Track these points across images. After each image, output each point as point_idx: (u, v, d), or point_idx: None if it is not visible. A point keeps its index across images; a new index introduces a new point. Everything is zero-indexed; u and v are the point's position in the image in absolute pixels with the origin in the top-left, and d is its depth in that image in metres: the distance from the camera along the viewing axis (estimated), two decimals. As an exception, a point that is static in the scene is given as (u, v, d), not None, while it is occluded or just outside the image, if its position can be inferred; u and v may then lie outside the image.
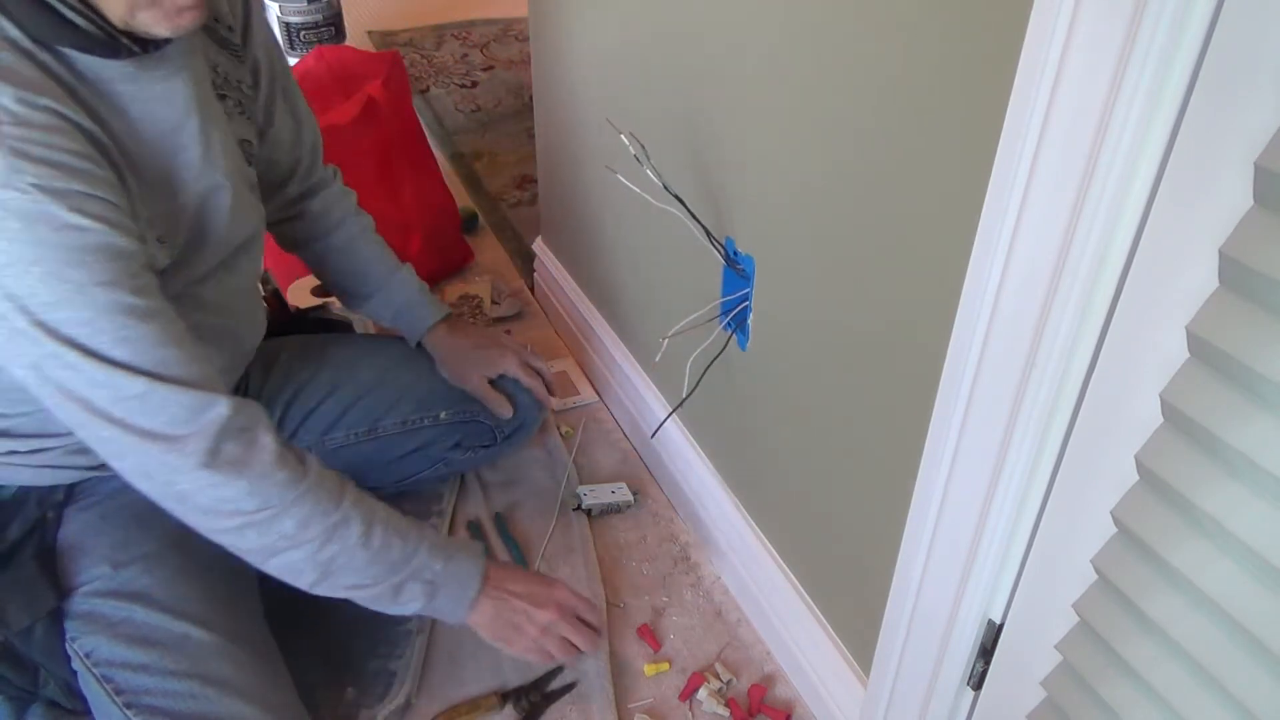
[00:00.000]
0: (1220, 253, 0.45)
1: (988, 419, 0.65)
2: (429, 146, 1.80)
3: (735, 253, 0.99)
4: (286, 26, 2.41)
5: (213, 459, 0.77)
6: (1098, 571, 0.58)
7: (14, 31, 0.68)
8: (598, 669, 1.09)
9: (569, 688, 1.07)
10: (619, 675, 1.10)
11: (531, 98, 1.73)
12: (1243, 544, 0.48)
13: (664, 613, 1.19)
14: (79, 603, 0.87)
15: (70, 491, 0.94)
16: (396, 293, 1.20)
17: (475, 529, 1.28)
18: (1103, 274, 0.54)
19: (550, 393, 1.25)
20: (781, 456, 1.04)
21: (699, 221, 0.98)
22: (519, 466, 1.37)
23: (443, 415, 1.20)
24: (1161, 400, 0.51)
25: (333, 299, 1.46)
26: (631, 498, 1.33)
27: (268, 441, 0.80)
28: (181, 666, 0.85)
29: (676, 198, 0.96)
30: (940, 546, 0.75)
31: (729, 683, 1.10)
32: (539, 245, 1.73)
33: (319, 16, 2.48)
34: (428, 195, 1.73)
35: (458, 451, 1.23)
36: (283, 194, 1.14)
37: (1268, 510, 0.47)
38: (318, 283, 1.49)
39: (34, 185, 0.66)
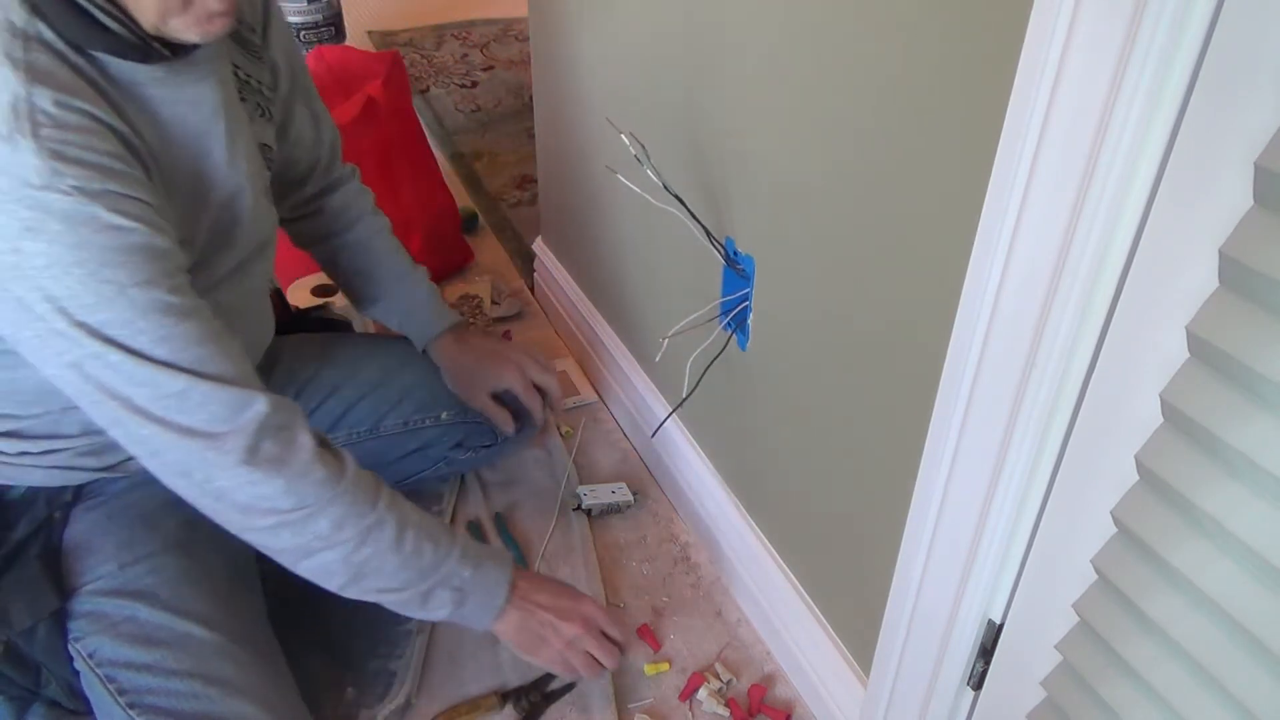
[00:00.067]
0: (1220, 253, 0.45)
1: (988, 419, 0.65)
2: (429, 146, 1.80)
3: (735, 253, 0.99)
4: (287, 26, 2.41)
5: (252, 456, 0.77)
6: (1098, 571, 0.58)
7: (49, 34, 0.69)
8: (598, 669, 1.09)
9: (569, 688, 1.07)
10: (619, 675, 1.10)
11: (531, 98, 1.73)
12: (1243, 544, 0.48)
13: (664, 613, 1.19)
14: (83, 602, 0.88)
15: (78, 492, 0.94)
16: (405, 297, 1.20)
17: (475, 529, 1.28)
18: (1103, 274, 0.54)
19: (553, 406, 1.25)
20: (781, 456, 1.04)
21: (699, 221, 0.98)
22: (519, 466, 1.37)
23: (444, 415, 1.20)
24: (1161, 400, 0.51)
25: (333, 299, 1.46)
26: (631, 498, 1.33)
27: (306, 440, 0.81)
28: (184, 666, 0.85)
29: (676, 198, 0.96)
30: (940, 546, 0.75)
31: (729, 683, 1.10)
32: (539, 245, 1.73)
33: (319, 16, 2.48)
34: (428, 195, 1.73)
35: (459, 451, 1.23)
36: (301, 192, 1.15)
37: (1268, 510, 0.47)
38: (318, 282, 1.49)
39: (75, 187, 0.67)
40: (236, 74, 0.90)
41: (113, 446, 0.91)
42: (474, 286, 1.78)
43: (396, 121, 1.66)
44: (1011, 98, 0.55)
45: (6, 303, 0.69)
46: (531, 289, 1.81)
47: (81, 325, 0.70)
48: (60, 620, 0.87)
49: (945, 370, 0.69)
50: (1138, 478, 0.54)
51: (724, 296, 1.04)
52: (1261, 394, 0.45)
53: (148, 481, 0.96)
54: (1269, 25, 0.41)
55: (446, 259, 1.80)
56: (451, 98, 2.55)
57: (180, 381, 0.73)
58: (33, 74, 0.67)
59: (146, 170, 0.75)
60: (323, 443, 0.83)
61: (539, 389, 1.22)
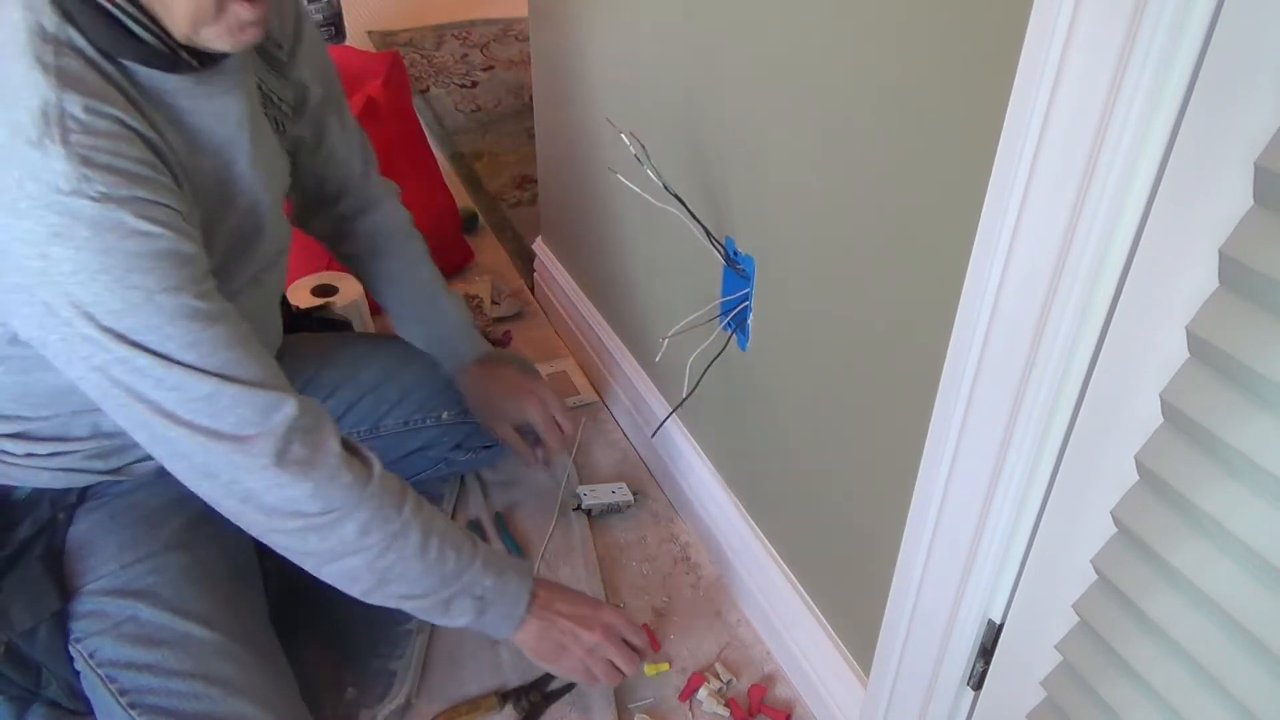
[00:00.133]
0: (1220, 253, 0.45)
1: (988, 419, 0.65)
2: (429, 146, 1.80)
3: (735, 253, 0.99)
4: (287, 26, 2.41)
5: (281, 459, 0.77)
6: (1098, 571, 0.58)
7: (80, 41, 0.69)
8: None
9: (569, 688, 1.07)
10: (619, 675, 1.10)
11: (531, 98, 1.73)
12: (1243, 544, 0.48)
13: (664, 613, 1.19)
14: (84, 602, 0.88)
15: (83, 493, 0.94)
16: (437, 323, 1.20)
17: (475, 528, 1.28)
18: (1103, 274, 0.54)
19: (567, 446, 1.24)
20: (781, 456, 1.04)
21: (699, 221, 0.98)
22: (519, 467, 1.37)
23: (444, 416, 1.20)
24: (1161, 400, 0.51)
25: (333, 299, 1.46)
26: (631, 498, 1.33)
27: (333, 444, 0.81)
28: (185, 666, 0.85)
29: (676, 198, 0.96)
30: (940, 546, 0.75)
31: (729, 683, 1.10)
32: (539, 245, 1.73)
33: (319, 16, 2.48)
34: (428, 195, 1.73)
35: (459, 452, 1.23)
36: (334, 210, 1.15)
37: (1268, 510, 0.47)
38: (318, 283, 1.49)
39: (103, 193, 0.67)
40: (260, 88, 0.90)
41: (120, 450, 0.92)
42: (474, 286, 1.78)
43: (396, 121, 1.66)
44: (1011, 98, 0.55)
45: (33, 306, 0.69)
46: (531, 289, 1.80)
47: (108, 330, 0.70)
48: (61, 621, 0.87)
49: (945, 370, 0.69)
50: (1138, 478, 0.54)
51: (724, 296, 1.04)
52: (1261, 394, 0.45)
53: (151, 482, 0.96)
54: (1269, 25, 0.41)
55: (446, 259, 1.79)
56: (451, 98, 2.55)
57: (209, 385, 0.73)
58: (63, 79, 0.67)
59: (175, 177, 0.75)
60: (348, 446, 0.83)
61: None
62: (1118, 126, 0.49)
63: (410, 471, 1.22)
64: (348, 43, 2.62)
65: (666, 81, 1.06)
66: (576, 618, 0.97)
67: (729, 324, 1.04)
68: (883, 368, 0.81)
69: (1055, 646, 0.64)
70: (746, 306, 1.01)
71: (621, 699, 1.07)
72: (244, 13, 0.71)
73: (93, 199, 0.66)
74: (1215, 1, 0.44)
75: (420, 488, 1.26)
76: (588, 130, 1.34)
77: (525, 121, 2.35)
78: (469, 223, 1.97)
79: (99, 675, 0.85)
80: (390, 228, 1.18)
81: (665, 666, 1.11)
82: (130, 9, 0.69)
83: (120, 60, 0.72)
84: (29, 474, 0.90)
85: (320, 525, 0.80)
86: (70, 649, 0.87)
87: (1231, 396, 0.47)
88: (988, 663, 0.75)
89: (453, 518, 1.29)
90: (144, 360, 0.71)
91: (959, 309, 0.65)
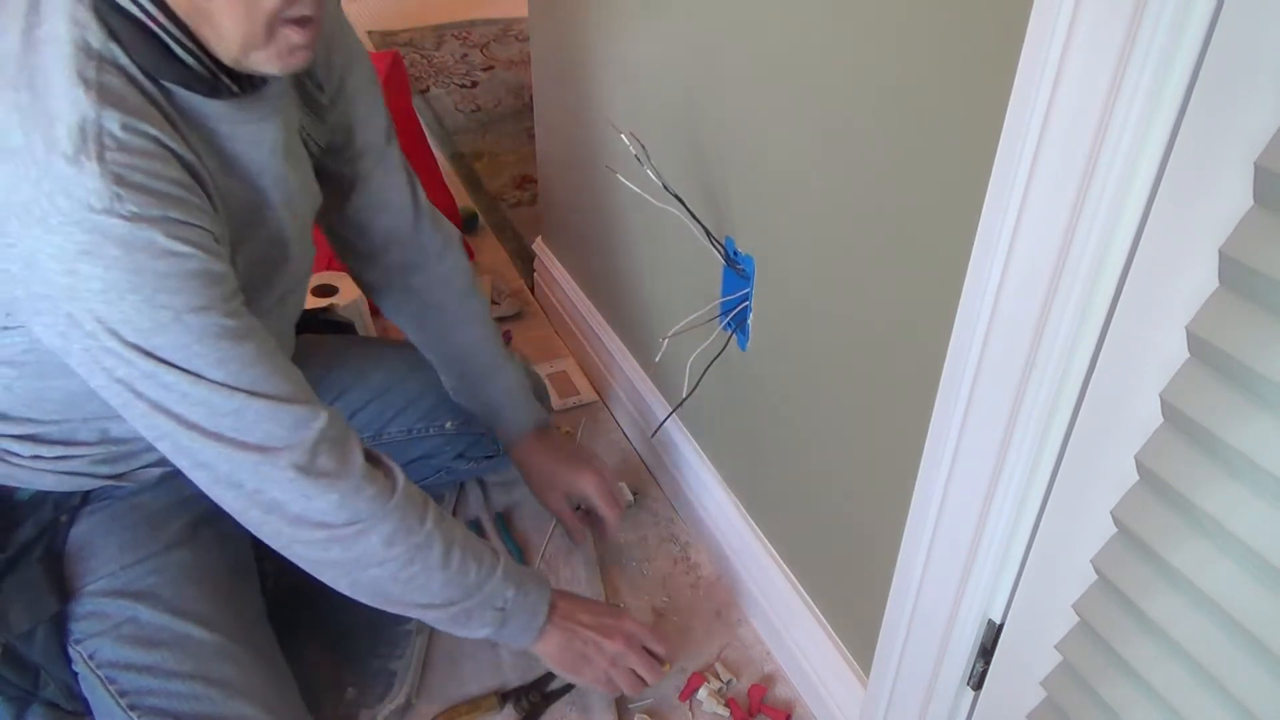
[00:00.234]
0: (1220, 253, 0.45)
1: (988, 419, 0.65)
2: (429, 146, 1.80)
3: (735, 253, 0.99)
4: (286, 26, 2.40)
5: (307, 470, 0.77)
6: (1098, 571, 0.58)
7: (124, 59, 0.69)
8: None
9: (569, 688, 1.07)
10: (619, 675, 1.10)
11: (531, 98, 1.73)
12: (1243, 544, 0.48)
13: (664, 613, 1.19)
14: (84, 603, 0.88)
15: (86, 496, 0.94)
16: (492, 393, 1.17)
17: (475, 529, 1.28)
18: (1103, 274, 0.54)
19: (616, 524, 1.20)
20: (781, 457, 1.04)
21: (699, 221, 0.98)
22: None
23: (448, 426, 1.20)
24: (1161, 400, 0.51)
25: (334, 299, 1.46)
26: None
27: (358, 455, 0.81)
28: (185, 668, 0.85)
29: (676, 197, 0.96)
30: (940, 546, 0.75)
31: (729, 683, 1.10)
32: (539, 245, 1.73)
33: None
34: (428, 196, 1.73)
35: (461, 461, 1.24)
36: (381, 262, 1.11)
37: (1268, 510, 0.47)
38: (318, 282, 1.49)
39: (134, 213, 0.66)
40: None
41: (127, 456, 0.92)
42: (474, 286, 1.78)
43: (396, 121, 1.63)
44: (1011, 98, 0.55)
45: (56, 316, 0.69)
46: (531, 289, 1.80)
47: (134, 347, 0.69)
48: (60, 623, 0.87)
49: (945, 370, 0.69)
50: (1138, 478, 0.54)
51: (724, 296, 1.04)
52: (1261, 394, 0.45)
53: (154, 485, 0.96)
54: (1269, 25, 0.41)
55: (446, 259, 1.79)
56: (451, 98, 2.55)
57: (236, 401, 0.73)
58: (104, 96, 0.66)
59: (209, 198, 0.75)
60: (370, 457, 0.83)
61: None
62: (1118, 126, 0.49)
63: (411, 478, 1.22)
64: (348, 43, 2.62)
65: (666, 81, 1.06)
66: (599, 627, 0.97)
67: (729, 324, 1.04)
68: (883, 368, 0.81)
69: (1055, 646, 0.64)
70: (746, 306, 1.00)
71: (621, 699, 1.07)
72: (294, 36, 0.71)
73: (124, 218, 0.66)
74: (1215, 1, 0.44)
75: (420, 489, 1.28)
76: (588, 130, 1.34)
77: (525, 121, 2.35)
78: (469, 223, 1.97)
79: (98, 676, 0.85)
80: (446, 281, 1.13)
81: (665, 666, 1.11)
82: (175, 31, 0.69)
83: (161, 81, 0.71)
84: (34, 476, 0.89)
85: (345, 537, 0.80)
86: (70, 650, 0.87)
87: (1231, 396, 0.47)
88: (988, 663, 0.75)
89: (452, 517, 1.29)
90: (170, 377, 0.71)
91: (959, 309, 0.65)
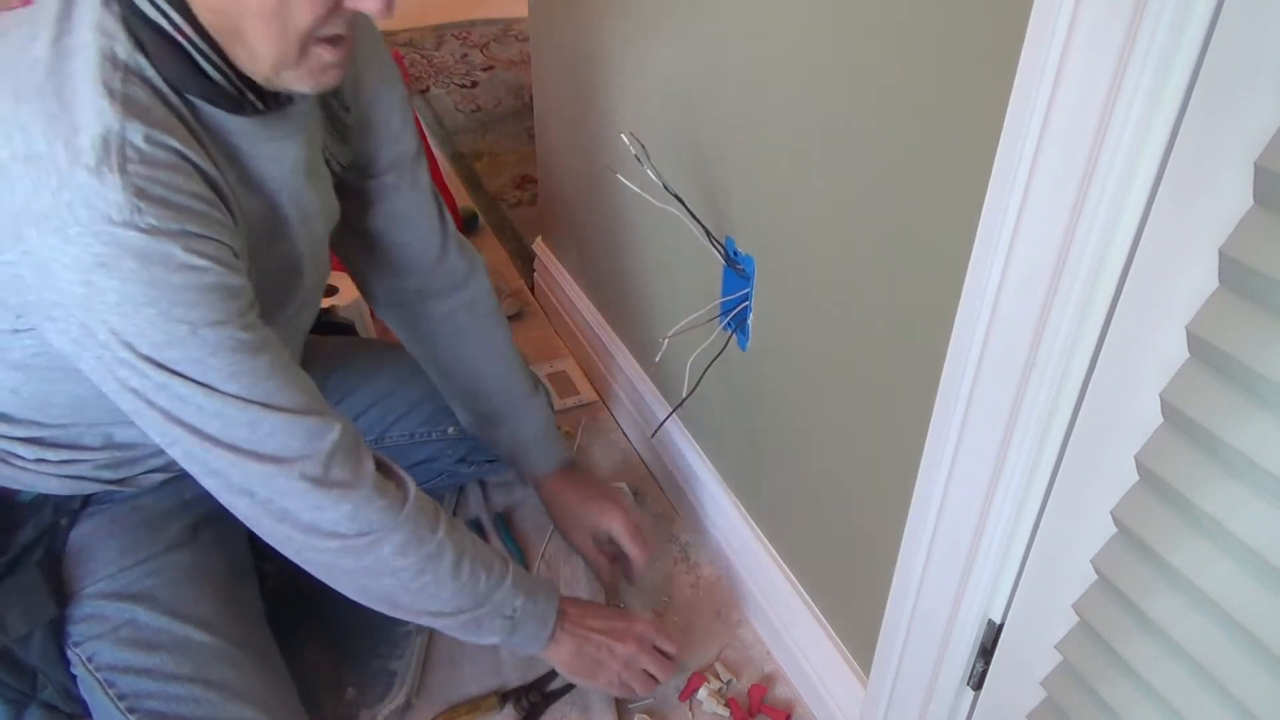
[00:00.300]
0: (1220, 253, 0.45)
1: (988, 419, 0.65)
2: (429, 146, 1.80)
3: (735, 253, 0.99)
4: (286, 27, 2.40)
5: (321, 481, 0.77)
6: (1098, 571, 0.58)
7: (150, 71, 0.68)
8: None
9: (569, 688, 1.07)
10: (619, 675, 1.10)
11: (531, 98, 1.73)
12: (1243, 544, 0.48)
13: (664, 613, 1.19)
14: (83, 605, 0.88)
15: (87, 499, 0.94)
16: (515, 430, 1.15)
17: (475, 529, 1.28)
18: (1103, 274, 0.54)
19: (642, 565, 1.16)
20: (781, 457, 1.04)
21: (699, 221, 0.98)
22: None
23: (450, 430, 1.20)
24: (1161, 400, 0.51)
25: (334, 299, 1.46)
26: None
27: (369, 464, 0.81)
28: (184, 670, 0.85)
29: (676, 198, 0.96)
30: (940, 546, 0.75)
31: (729, 683, 1.10)
32: (539, 245, 1.73)
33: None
34: (428, 195, 1.73)
35: (463, 465, 1.24)
36: (398, 285, 1.09)
37: (1268, 510, 0.47)
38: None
39: (153, 226, 0.66)
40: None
41: (131, 461, 0.92)
42: (474, 286, 1.77)
43: (396, 121, 1.66)
44: (1011, 98, 0.55)
45: (69, 323, 0.69)
46: (531, 289, 1.80)
47: (147, 359, 0.69)
48: (58, 626, 0.87)
49: (945, 370, 0.69)
50: (1138, 478, 0.54)
51: (724, 296, 1.04)
52: (1261, 394, 0.45)
53: (155, 489, 0.96)
54: (1269, 25, 0.41)
55: (446, 259, 1.79)
56: (451, 98, 2.55)
57: (251, 413, 0.73)
58: (129, 107, 0.66)
59: (230, 212, 0.74)
60: (381, 466, 0.83)
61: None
62: (1118, 126, 0.49)
63: None
64: (347, 43, 2.62)
65: (667, 81, 1.06)
66: (609, 631, 0.97)
67: (729, 324, 1.04)
68: (883, 368, 0.81)
69: (1055, 646, 0.64)
70: (746, 306, 1.00)
71: (621, 699, 1.07)
72: (326, 55, 0.71)
73: (142, 230, 0.65)
74: (1215, 1, 0.44)
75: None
76: (588, 130, 1.34)
77: (525, 121, 2.35)
78: (469, 223, 1.97)
79: (97, 679, 0.85)
80: (472, 314, 1.11)
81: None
82: (203, 46, 0.69)
83: (186, 95, 0.71)
84: (37, 479, 0.89)
85: (357, 547, 0.80)
86: (69, 652, 0.87)
87: (1231, 396, 0.47)
88: (988, 663, 0.75)
89: (460, 524, 1.29)
90: (185, 389, 0.71)
91: (959, 309, 0.65)
